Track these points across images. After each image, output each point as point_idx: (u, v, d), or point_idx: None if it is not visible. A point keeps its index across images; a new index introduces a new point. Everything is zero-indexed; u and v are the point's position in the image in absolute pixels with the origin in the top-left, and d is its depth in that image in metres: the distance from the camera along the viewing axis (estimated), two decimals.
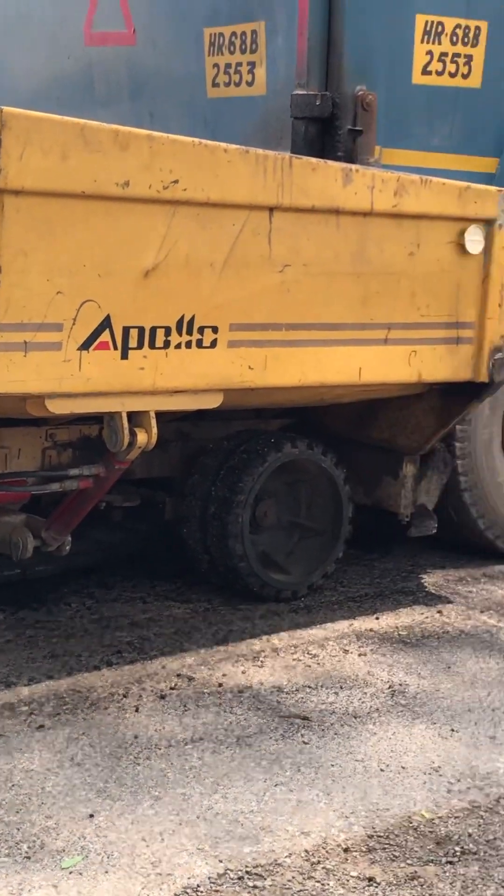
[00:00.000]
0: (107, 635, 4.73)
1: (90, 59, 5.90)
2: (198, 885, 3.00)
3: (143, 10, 5.63)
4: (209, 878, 3.04)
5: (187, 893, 2.96)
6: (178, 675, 4.33)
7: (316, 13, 4.88)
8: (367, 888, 3.02)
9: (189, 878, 3.03)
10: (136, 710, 4.03)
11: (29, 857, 3.10)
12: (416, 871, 3.11)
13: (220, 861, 3.11)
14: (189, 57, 5.39)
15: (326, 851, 3.19)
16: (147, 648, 4.61)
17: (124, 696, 4.14)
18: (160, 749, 3.75)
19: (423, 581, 5.52)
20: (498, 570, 5.71)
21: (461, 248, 4.74)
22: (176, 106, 5.29)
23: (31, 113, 3.73)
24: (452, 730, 4.00)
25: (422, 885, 3.05)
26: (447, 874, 3.12)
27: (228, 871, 3.07)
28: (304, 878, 3.06)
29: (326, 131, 4.91)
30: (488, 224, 4.79)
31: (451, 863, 3.17)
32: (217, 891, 2.99)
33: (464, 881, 3.08)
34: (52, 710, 4.02)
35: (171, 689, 4.22)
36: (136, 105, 5.39)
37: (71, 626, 4.81)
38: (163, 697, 4.14)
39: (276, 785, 3.55)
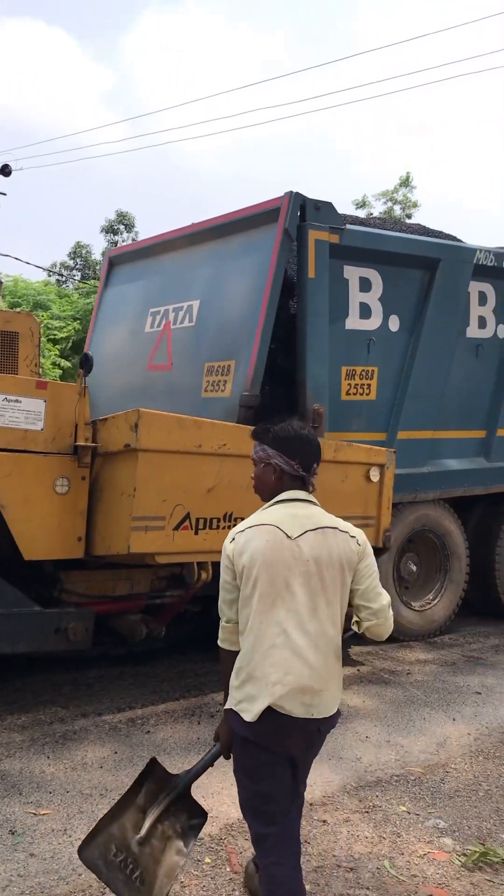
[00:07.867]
0: (171, 683, 4.52)
1: (151, 377, 5.81)
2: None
3: (177, 353, 5.60)
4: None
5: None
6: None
7: (260, 359, 4.79)
8: None
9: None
10: (198, 724, 3.83)
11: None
12: None
13: None
14: (195, 377, 5.30)
15: None
16: (204, 689, 4.38)
17: (192, 715, 3.94)
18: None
19: None
20: None
21: (368, 478, 4.78)
22: (185, 402, 5.12)
23: (153, 411, 3.88)
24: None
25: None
26: None
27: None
28: None
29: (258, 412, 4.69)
30: (381, 466, 4.83)
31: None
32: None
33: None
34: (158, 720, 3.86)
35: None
36: (171, 400, 5.27)
37: (160, 672, 4.62)
38: (213, 715, 3.95)
39: None
